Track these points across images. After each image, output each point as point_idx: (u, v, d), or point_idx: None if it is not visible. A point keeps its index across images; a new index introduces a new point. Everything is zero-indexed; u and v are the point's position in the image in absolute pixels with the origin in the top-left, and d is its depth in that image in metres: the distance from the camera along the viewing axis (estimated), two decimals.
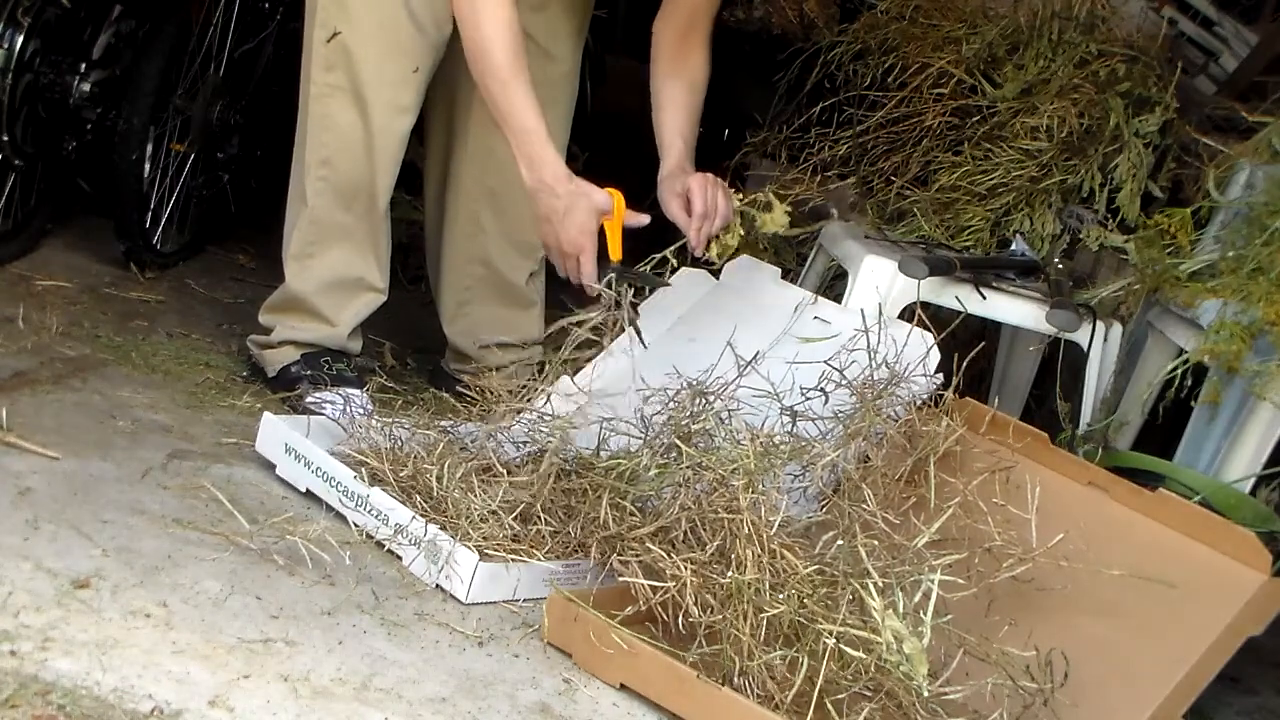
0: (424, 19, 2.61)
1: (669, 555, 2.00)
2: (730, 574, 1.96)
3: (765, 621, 1.93)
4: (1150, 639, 2.10)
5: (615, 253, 2.48)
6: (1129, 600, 2.13)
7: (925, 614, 1.87)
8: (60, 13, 2.90)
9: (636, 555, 2.04)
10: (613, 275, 2.47)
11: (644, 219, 2.50)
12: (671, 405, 2.28)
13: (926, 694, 1.86)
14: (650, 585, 2.00)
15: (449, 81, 2.77)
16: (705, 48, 2.72)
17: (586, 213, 2.45)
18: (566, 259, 2.49)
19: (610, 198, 2.47)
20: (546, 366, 2.54)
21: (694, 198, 2.56)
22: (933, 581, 1.89)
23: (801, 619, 1.92)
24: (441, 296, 2.97)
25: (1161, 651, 2.09)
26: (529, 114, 2.47)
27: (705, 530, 2.05)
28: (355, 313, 2.75)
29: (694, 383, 2.29)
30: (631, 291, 2.49)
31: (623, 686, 1.96)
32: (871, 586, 1.88)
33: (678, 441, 2.21)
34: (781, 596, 1.94)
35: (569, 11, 2.78)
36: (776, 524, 2.01)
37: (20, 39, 2.82)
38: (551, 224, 2.47)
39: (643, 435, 2.28)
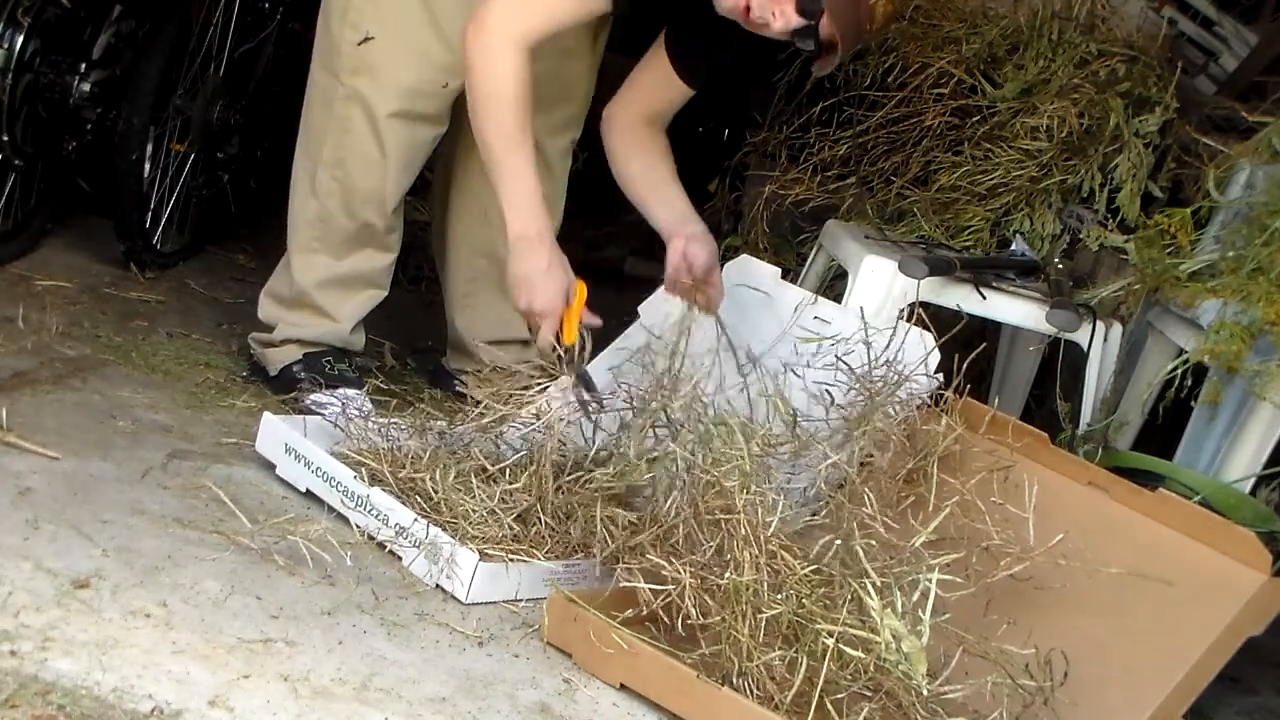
0: (455, 34, 2.58)
1: (670, 560, 2.01)
2: (728, 575, 1.96)
3: (764, 622, 1.93)
4: (1150, 639, 2.10)
5: (570, 336, 2.44)
6: (1129, 600, 2.13)
7: (924, 613, 1.87)
8: (60, 13, 2.90)
9: (639, 564, 2.04)
10: (579, 369, 2.43)
11: (597, 322, 2.47)
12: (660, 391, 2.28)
13: (926, 693, 1.86)
14: (651, 589, 2.00)
15: None
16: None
17: (563, 280, 2.42)
18: (533, 317, 2.44)
19: (580, 287, 2.44)
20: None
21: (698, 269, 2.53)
22: (930, 581, 1.89)
23: (800, 619, 1.93)
24: (447, 287, 2.97)
25: (1161, 651, 2.09)
26: (529, 170, 2.42)
27: (703, 532, 2.06)
28: (356, 308, 2.75)
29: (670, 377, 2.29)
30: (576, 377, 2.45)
31: (623, 686, 1.96)
32: (870, 586, 1.88)
33: (664, 422, 2.21)
34: (780, 596, 1.94)
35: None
36: (774, 525, 2.01)
37: (20, 39, 2.82)
38: (530, 280, 2.41)
39: (630, 408, 2.27)
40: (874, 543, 2.01)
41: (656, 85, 2.65)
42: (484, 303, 2.94)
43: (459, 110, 2.71)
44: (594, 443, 2.33)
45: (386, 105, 2.61)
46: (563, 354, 2.42)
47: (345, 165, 2.65)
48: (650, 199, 2.63)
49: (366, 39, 2.60)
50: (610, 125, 2.68)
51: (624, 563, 2.08)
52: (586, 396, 2.39)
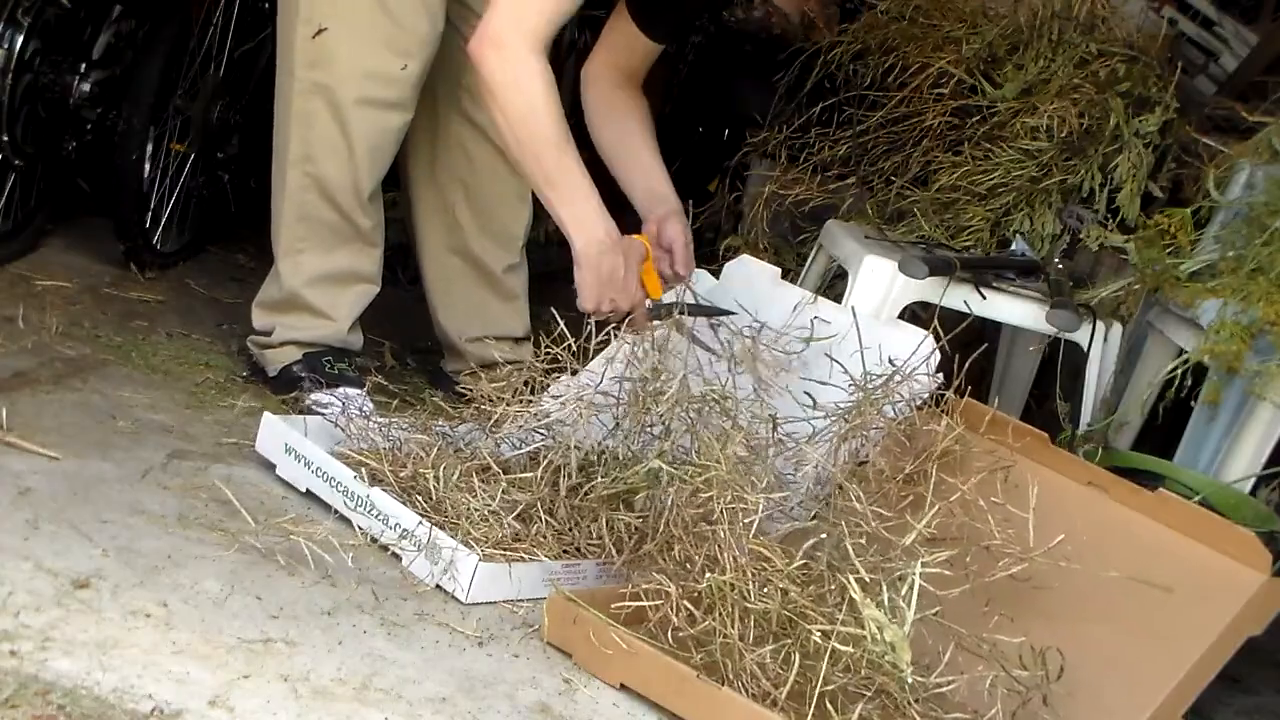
0: (406, 15, 2.60)
1: (659, 572, 2.02)
2: (709, 576, 1.97)
3: (752, 620, 1.93)
4: (1150, 639, 2.10)
5: (656, 291, 2.47)
6: (1128, 600, 2.13)
7: (909, 603, 1.87)
8: (60, 13, 2.90)
9: (647, 581, 2.04)
10: (669, 307, 2.47)
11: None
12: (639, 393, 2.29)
13: (910, 680, 1.86)
14: (648, 599, 2.01)
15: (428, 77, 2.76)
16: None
17: (637, 263, 2.42)
18: (616, 315, 2.43)
19: (644, 245, 2.46)
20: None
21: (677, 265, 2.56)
22: (915, 572, 1.89)
23: (789, 614, 1.93)
24: (426, 288, 2.99)
25: (1161, 651, 2.09)
26: (582, 175, 2.38)
27: (689, 541, 2.06)
28: (351, 304, 2.76)
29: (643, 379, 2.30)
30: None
31: (623, 686, 1.96)
32: (854, 579, 1.88)
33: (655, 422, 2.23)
34: (765, 591, 1.94)
35: None
36: (754, 527, 2.02)
37: (20, 39, 2.82)
38: (608, 285, 2.39)
39: (617, 418, 2.29)
40: (863, 540, 2.01)
41: (624, 43, 2.66)
42: (462, 300, 2.95)
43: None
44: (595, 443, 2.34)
45: (349, 93, 2.62)
46: (668, 306, 2.47)
47: (313, 159, 2.66)
48: (625, 173, 2.64)
49: (320, 31, 2.60)
50: (586, 85, 2.70)
51: (630, 573, 2.10)
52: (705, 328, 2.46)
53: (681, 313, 2.49)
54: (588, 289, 2.39)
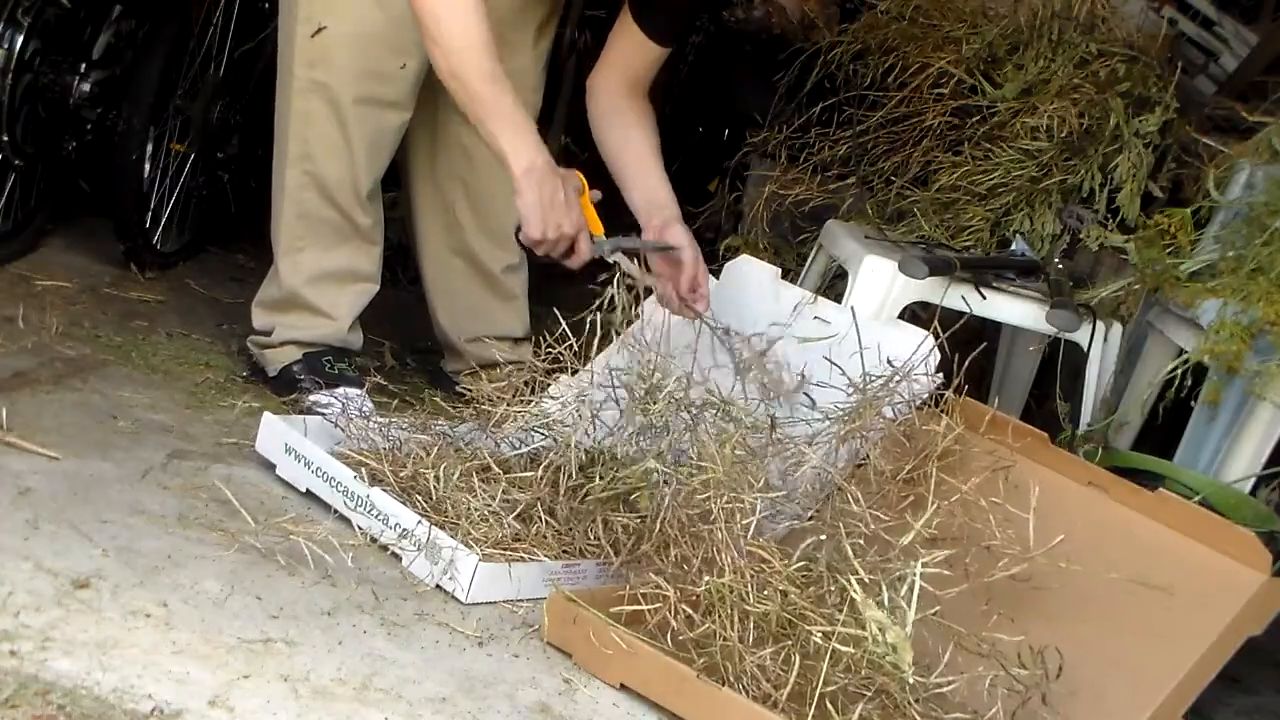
0: (405, 14, 2.59)
1: (657, 574, 2.02)
2: (707, 579, 1.97)
3: (751, 622, 1.93)
4: (1150, 639, 2.10)
5: (597, 227, 2.46)
6: (1129, 600, 2.13)
7: (909, 604, 1.87)
8: (60, 13, 2.90)
9: (644, 581, 2.04)
10: (613, 243, 2.46)
11: (598, 194, 2.50)
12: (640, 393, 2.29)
13: (911, 681, 1.86)
14: (645, 600, 2.00)
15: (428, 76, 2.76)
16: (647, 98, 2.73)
17: (575, 193, 2.43)
18: (561, 242, 2.42)
19: (580, 178, 2.46)
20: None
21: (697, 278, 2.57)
22: (915, 573, 1.89)
23: (788, 615, 1.93)
24: (426, 287, 2.99)
25: (1161, 651, 2.09)
26: (516, 107, 2.40)
27: (685, 542, 2.06)
28: (351, 303, 2.76)
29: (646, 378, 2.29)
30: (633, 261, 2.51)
31: (623, 686, 1.96)
32: (854, 580, 1.88)
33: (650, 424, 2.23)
34: (764, 593, 1.94)
35: (534, 2, 2.77)
36: (752, 529, 2.02)
37: (20, 39, 2.82)
38: (551, 209, 2.38)
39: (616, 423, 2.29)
40: (861, 541, 2.01)
41: (629, 50, 2.66)
42: (462, 300, 2.95)
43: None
44: (596, 439, 2.33)
45: (348, 92, 2.62)
46: (612, 244, 2.46)
47: (312, 158, 2.66)
48: (626, 180, 2.65)
49: (320, 30, 2.61)
50: (591, 96, 2.70)
51: (628, 574, 2.10)
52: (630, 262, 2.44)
53: (617, 252, 2.48)
54: (532, 213, 2.39)
